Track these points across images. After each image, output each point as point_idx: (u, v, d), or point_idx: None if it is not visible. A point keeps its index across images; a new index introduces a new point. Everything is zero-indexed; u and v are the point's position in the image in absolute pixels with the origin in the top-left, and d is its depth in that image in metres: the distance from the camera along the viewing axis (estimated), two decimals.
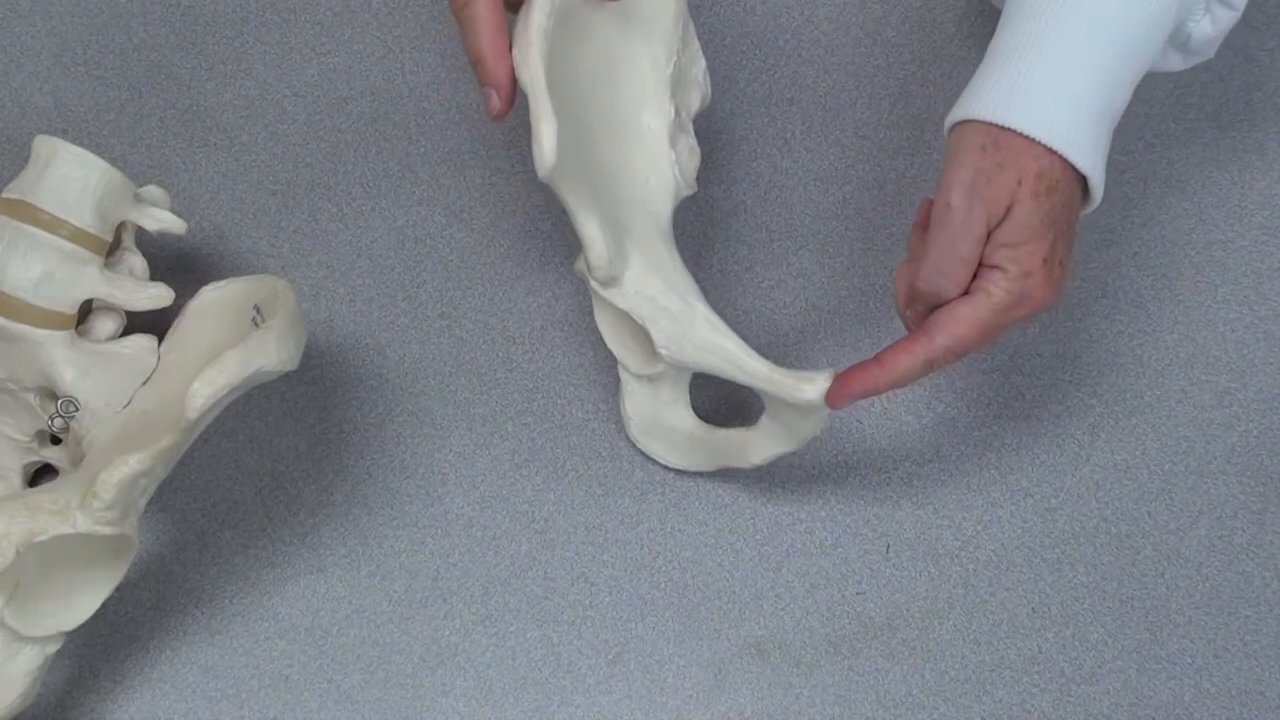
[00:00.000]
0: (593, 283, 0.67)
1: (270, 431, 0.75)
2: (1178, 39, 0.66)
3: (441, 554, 0.73)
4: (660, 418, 0.72)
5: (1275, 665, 0.71)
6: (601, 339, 0.70)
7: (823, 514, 0.73)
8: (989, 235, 0.62)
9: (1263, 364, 0.75)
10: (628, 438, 0.74)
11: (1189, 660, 0.71)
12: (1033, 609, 0.72)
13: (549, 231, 0.78)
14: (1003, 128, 0.62)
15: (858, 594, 0.72)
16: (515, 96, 0.62)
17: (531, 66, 0.61)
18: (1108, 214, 0.78)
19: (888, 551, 0.73)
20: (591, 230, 0.64)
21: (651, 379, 0.70)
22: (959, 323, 0.62)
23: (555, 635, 0.72)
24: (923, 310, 0.64)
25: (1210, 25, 0.66)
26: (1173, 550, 0.72)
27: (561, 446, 0.75)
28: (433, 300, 0.77)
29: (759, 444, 0.69)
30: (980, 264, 0.62)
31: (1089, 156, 0.62)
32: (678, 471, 0.73)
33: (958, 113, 0.64)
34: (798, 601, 0.72)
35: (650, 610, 0.72)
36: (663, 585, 0.72)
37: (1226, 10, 0.65)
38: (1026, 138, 0.61)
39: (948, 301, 0.62)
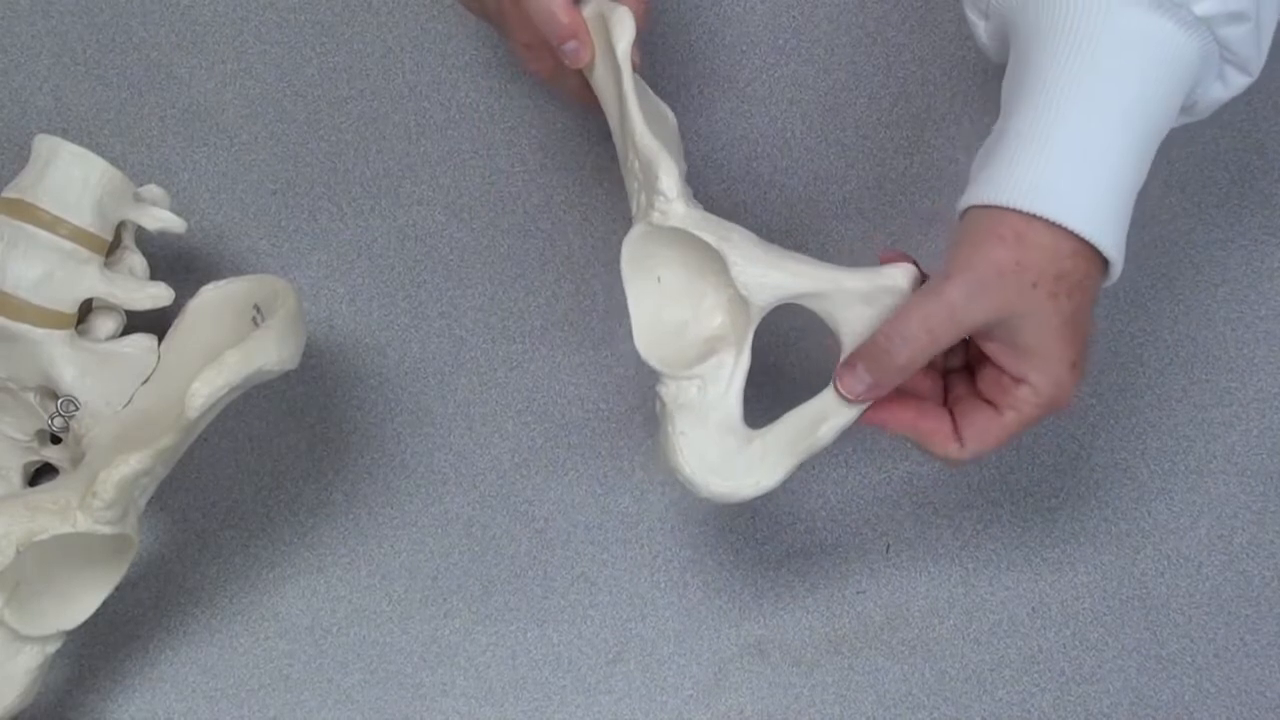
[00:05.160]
0: (655, 215, 0.63)
1: (270, 431, 0.75)
2: (1185, 102, 0.64)
3: (441, 554, 0.73)
4: (717, 440, 0.63)
5: (1275, 665, 0.71)
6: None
7: (823, 514, 0.73)
8: (992, 335, 0.60)
9: (1263, 364, 0.75)
10: (686, 487, 0.63)
11: (1189, 660, 0.71)
12: (1033, 609, 0.72)
13: (549, 231, 0.78)
14: (1031, 216, 0.58)
15: (858, 594, 0.72)
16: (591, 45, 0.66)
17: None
18: None
19: (888, 551, 0.73)
20: (666, 160, 0.63)
21: (702, 383, 0.63)
22: (991, 436, 0.61)
23: (555, 635, 0.72)
24: (853, 356, 0.62)
25: (1222, 89, 0.63)
26: (1173, 550, 0.72)
27: (561, 446, 0.75)
28: (433, 300, 0.77)
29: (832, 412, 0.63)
30: (1009, 376, 0.60)
31: (1115, 240, 0.59)
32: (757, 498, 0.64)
33: (978, 195, 0.60)
34: (798, 601, 0.72)
35: (650, 610, 0.72)
36: (663, 585, 0.72)
37: (1241, 76, 0.63)
38: (1053, 230, 0.58)
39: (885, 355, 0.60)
